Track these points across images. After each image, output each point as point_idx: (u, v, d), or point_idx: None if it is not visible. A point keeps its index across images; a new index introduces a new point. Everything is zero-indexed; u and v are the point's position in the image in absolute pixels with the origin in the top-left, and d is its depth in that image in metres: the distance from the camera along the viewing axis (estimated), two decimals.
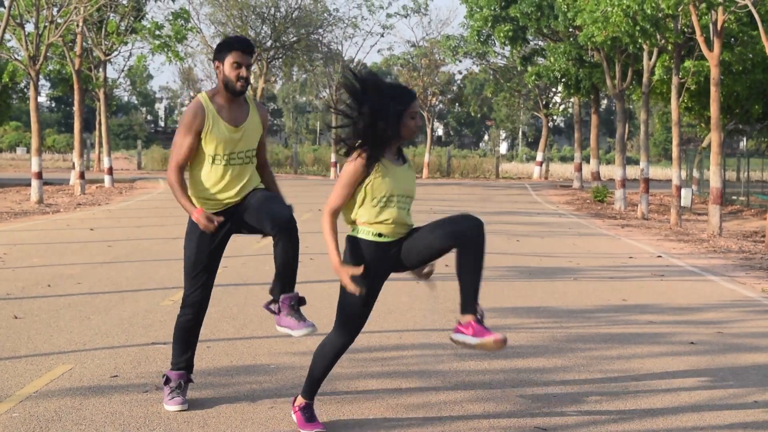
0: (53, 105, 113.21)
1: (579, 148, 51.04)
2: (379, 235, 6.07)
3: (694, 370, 8.34)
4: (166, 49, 37.71)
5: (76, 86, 35.95)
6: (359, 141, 6.03)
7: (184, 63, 50.58)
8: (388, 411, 6.80)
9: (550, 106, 62.18)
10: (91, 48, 40.23)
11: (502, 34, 40.80)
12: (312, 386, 6.33)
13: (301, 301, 6.63)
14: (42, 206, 27.66)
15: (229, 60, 6.55)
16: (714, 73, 23.93)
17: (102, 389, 7.15)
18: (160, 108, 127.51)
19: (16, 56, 35.56)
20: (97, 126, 54.73)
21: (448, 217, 6.01)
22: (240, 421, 6.48)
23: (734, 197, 38.45)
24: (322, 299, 11.22)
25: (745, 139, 66.22)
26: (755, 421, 6.82)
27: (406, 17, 59.94)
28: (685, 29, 28.11)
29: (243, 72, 6.56)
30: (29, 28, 31.76)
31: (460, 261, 5.91)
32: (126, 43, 41.26)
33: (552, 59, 40.30)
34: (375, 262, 6.08)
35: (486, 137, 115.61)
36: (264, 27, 53.22)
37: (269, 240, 6.55)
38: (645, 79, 31.24)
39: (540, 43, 47.12)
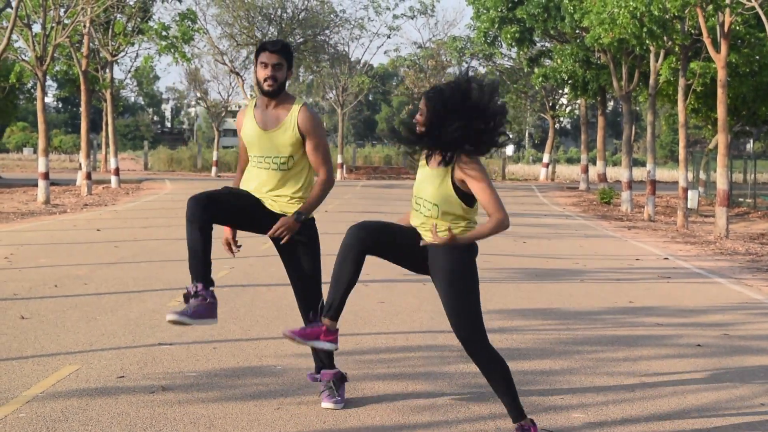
0: (60, 106, 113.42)
1: (585, 150, 51.01)
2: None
3: (700, 373, 8.33)
4: (172, 50, 37.75)
5: (82, 87, 36.01)
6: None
7: (190, 64, 50.61)
8: (395, 413, 6.79)
9: (557, 107, 62.16)
10: (98, 49, 40.30)
11: (508, 36, 40.77)
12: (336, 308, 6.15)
13: (343, 378, 6.93)
14: (49, 207, 27.70)
15: (258, 62, 6.65)
16: (721, 75, 23.90)
17: (108, 390, 7.16)
18: (167, 109, 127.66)
19: (23, 57, 35.68)
20: (103, 127, 54.85)
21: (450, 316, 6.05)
22: (246, 422, 6.48)
23: (741, 199, 38.38)
24: None
25: (751, 141, 66.17)
26: (762, 423, 6.80)
27: (412, 18, 60.00)
28: (692, 31, 28.09)
29: (269, 71, 6.58)
30: (36, 28, 31.84)
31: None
32: (133, 44, 41.35)
33: (559, 61, 40.29)
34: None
35: None
36: (270, 28, 53.26)
37: None
38: (652, 81, 31.22)
39: (547, 44, 47.11)
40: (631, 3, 25.14)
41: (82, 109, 36.73)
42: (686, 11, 24.99)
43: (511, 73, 60.11)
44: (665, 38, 27.79)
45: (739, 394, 7.65)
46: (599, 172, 46.00)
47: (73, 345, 8.67)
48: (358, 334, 9.39)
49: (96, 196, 33.18)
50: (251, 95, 51.16)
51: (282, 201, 6.74)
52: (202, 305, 6.42)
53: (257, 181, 6.75)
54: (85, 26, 34.93)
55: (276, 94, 6.65)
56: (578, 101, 53.00)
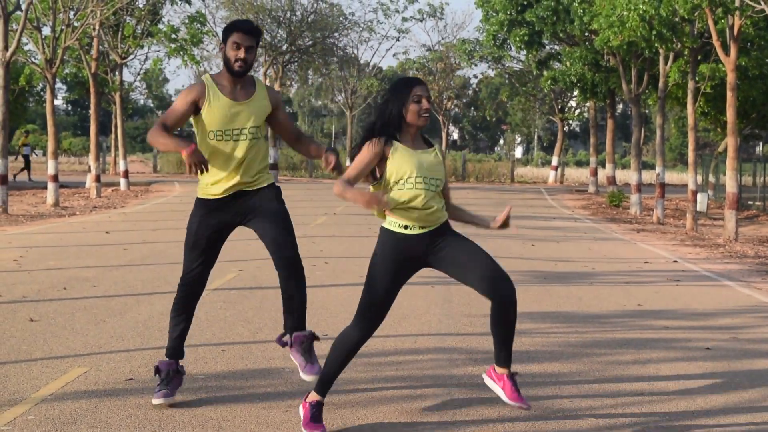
0: (69, 108, 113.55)
1: (595, 153, 50.97)
2: (405, 227, 6.18)
3: (709, 376, 8.32)
4: (181, 53, 37.80)
5: (92, 89, 36.05)
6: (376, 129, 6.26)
7: (199, 66, 50.63)
8: (403, 415, 6.79)
9: (566, 110, 62.09)
10: (107, 51, 40.35)
11: (517, 39, 40.75)
12: (325, 383, 6.36)
13: (314, 337, 6.89)
14: (58, 209, 27.74)
15: (230, 40, 6.66)
16: (730, 78, 23.86)
17: (117, 392, 7.16)
18: None
19: (32, 59, 35.73)
20: (113, 129, 54.87)
21: (490, 266, 6.21)
22: (255, 424, 6.48)
23: (750, 202, 38.30)
24: (337, 303, 11.22)
25: (761, 143, 66.06)
26: None
27: (421, 21, 60.05)
28: (702, 33, 28.05)
29: (241, 53, 6.62)
30: (46, 31, 31.91)
31: (494, 316, 6.30)
32: (142, 47, 41.38)
33: (568, 63, 40.27)
34: (400, 254, 6.21)
35: (501, 141, 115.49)
36: (280, 31, 53.30)
37: None
38: (661, 84, 31.17)
39: (556, 47, 47.08)
40: (641, 6, 25.11)
41: (92, 111, 36.75)
42: (695, 14, 24.94)
43: (520, 75, 60.05)
44: (674, 41, 27.75)
45: (748, 397, 7.63)
46: (608, 175, 45.98)
47: (81, 347, 8.68)
48: None
49: (105, 199, 33.23)
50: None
51: (260, 177, 6.82)
52: (177, 380, 6.98)
53: (241, 161, 6.71)
54: (94, 29, 34.98)
55: (244, 75, 6.73)
56: (587, 104, 52.98)
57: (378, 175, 6.20)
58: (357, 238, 19.48)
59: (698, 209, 29.69)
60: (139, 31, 39.54)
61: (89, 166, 37.20)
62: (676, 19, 26.16)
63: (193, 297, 7.04)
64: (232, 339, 9.26)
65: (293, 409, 6.83)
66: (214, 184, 6.78)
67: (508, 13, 40.42)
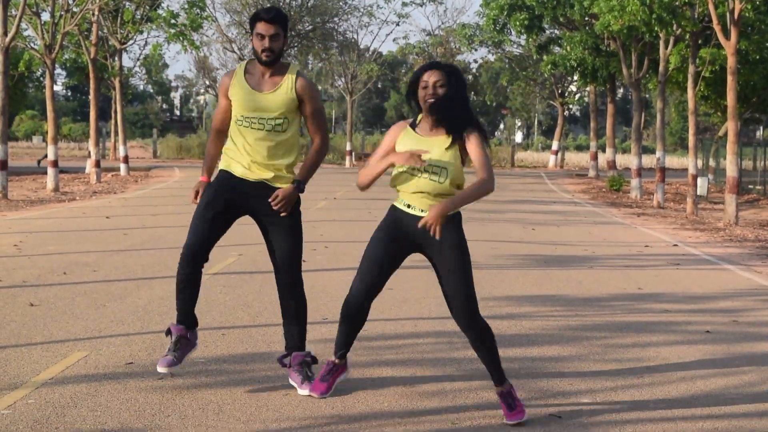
0: (69, 94, 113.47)
1: (595, 137, 50.93)
2: (408, 205, 6.31)
3: (709, 359, 8.32)
4: (181, 38, 37.71)
5: (91, 75, 36.02)
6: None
7: (199, 52, 50.57)
8: (403, 399, 6.80)
9: (566, 95, 62.01)
10: (106, 37, 40.30)
11: (517, 23, 40.69)
12: (338, 345, 6.68)
13: (313, 360, 7.00)
14: (58, 194, 27.74)
15: (255, 31, 6.62)
16: (731, 62, 23.82)
17: (117, 376, 7.17)
18: (176, 97, 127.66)
19: (32, 45, 35.67)
20: (112, 115, 54.88)
21: (456, 295, 6.36)
22: (255, 407, 6.49)
23: (750, 186, 38.31)
24: (337, 287, 11.22)
25: (761, 127, 66.00)
26: None
27: (421, 6, 59.88)
28: (702, 17, 28.00)
29: (266, 42, 6.56)
30: (45, 17, 31.84)
31: (474, 348, 6.50)
32: (141, 32, 41.32)
33: (568, 48, 40.20)
34: (397, 229, 6.36)
35: (501, 126, 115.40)
36: None
37: None
38: (661, 68, 31.13)
39: (556, 31, 47.01)
40: None
41: (91, 97, 36.72)
42: None
43: (521, 60, 59.98)
44: (675, 25, 27.71)
45: (748, 380, 7.63)
46: (608, 159, 45.91)
47: (81, 332, 8.69)
48: (367, 320, 9.38)
49: (105, 184, 33.23)
50: None
51: (276, 171, 6.75)
52: (186, 347, 6.94)
53: (248, 148, 6.70)
54: (93, 14, 34.92)
55: (273, 63, 6.68)
56: (587, 88, 52.90)
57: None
58: (357, 222, 19.48)
59: (698, 193, 29.67)
60: (139, 16, 39.43)
61: (89, 152, 37.20)
62: (677, 3, 26.13)
63: (194, 270, 6.86)
64: (232, 323, 9.26)
65: (293, 392, 6.83)
66: (235, 162, 6.78)
67: None
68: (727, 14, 24.29)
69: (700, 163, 36.82)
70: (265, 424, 6.17)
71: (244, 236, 15.61)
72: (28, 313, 9.51)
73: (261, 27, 6.57)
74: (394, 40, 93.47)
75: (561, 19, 41.12)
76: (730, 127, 24.37)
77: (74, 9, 31.49)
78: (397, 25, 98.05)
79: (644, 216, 25.39)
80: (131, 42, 41.64)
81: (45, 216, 20.82)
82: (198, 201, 6.78)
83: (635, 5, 25.51)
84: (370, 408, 6.56)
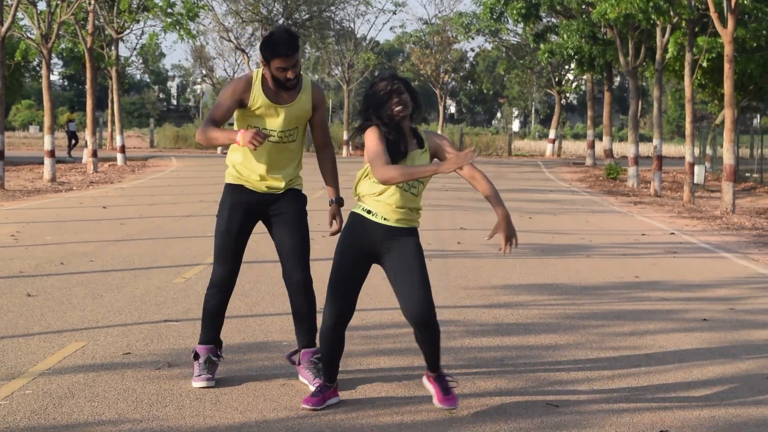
0: (66, 83, 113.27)
1: (592, 126, 50.89)
2: (368, 212, 6.15)
3: (706, 347, 8.33)
4: (178, 27, 37.65)
5: (88, 65, 35.93)
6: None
7: (196, 41, 50.55)
8: (400, 388, 6.80)
9: (563, 83, 61.98)
10: (103, 26, 40.25)
11: (514, 12, 40.62)
12: (327, 370, 6.36)
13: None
14: (55, 184, 27.71)
15: (273, 65, 6.46)
16: (728, 50, 23.80)
17: (114, 366, 7.17)
18: (173, 86, 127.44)
19: (28, 35, 35.58)
20: (109, 104, 54.85)
21: (414, 290, 6.11)
22: (252, 397, 6.49)
23: (747, 174, 38.31)
24: None
25: (758, 116, 65.98)
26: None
27: None
28: (699, 5, 27.96)
29: (290, 74, 6.49)
30: (41, 6, 31.83)
31: (415, 334, 6.30)
32: (138, 21, 41.25)
33: (565, 36, 40.12)
34: (358, 238, 6.19)
35: (498, 115, 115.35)
36: (276, 5, 53.12)
37: None
38: (658, 56, 31.09)
39: (553, 20, 46.92)
40: None
41: (88, 86, 36.65)
42: None
43: (518, 48, 59.90)
44: (672, 13, 27.66)
45: (744, 368, 7.65)
46: (605, 148, 45.87)
47: (79, 322, 8.69)
48: (364, 309, 9.38)
49: (102, 174, 33.19)
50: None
51: (285, 177, 6.83)
52: (215, 365, 6.91)
53: (272, 163, 6.71)
54: (89, 3, 34.85)
55: (296, 87, 6.65)
56: (584, 77, 52.83)
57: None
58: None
59: (695, 181, 29.67)
60: (135, 6, 39.36)
61: (86, 142, 37.13)
62: None
63: (225, 299, 7.18)
64: (229, 312, 9.22)
65: (290, 382, 6.84)
66: (246, 174, 6.77)
67: None
68: (724, 2, 24.27)
69: (697, 151, 36.80)
70: (263, 414, 6.17)
71: None
72: (25, 303, 9.51)
73: (281, 62, 6.44)
74: (390, 29, 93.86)
75: (558, 8, 41.06)
76: (727, 115, 24.35)
77: None
78: (394, 13, 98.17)
79: (641, 204, 25.40)
80: (128, 31, 41.59)
81: (42, 206, 20.80)
82: (260, 138, 6.27)
83: None
84: (367, 397, 6.57)
